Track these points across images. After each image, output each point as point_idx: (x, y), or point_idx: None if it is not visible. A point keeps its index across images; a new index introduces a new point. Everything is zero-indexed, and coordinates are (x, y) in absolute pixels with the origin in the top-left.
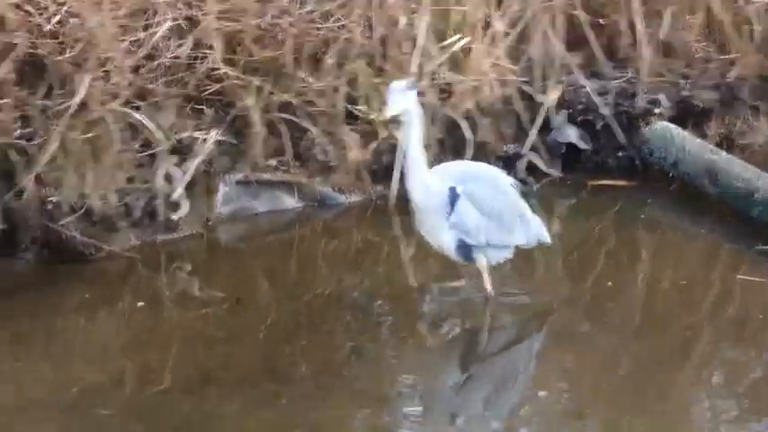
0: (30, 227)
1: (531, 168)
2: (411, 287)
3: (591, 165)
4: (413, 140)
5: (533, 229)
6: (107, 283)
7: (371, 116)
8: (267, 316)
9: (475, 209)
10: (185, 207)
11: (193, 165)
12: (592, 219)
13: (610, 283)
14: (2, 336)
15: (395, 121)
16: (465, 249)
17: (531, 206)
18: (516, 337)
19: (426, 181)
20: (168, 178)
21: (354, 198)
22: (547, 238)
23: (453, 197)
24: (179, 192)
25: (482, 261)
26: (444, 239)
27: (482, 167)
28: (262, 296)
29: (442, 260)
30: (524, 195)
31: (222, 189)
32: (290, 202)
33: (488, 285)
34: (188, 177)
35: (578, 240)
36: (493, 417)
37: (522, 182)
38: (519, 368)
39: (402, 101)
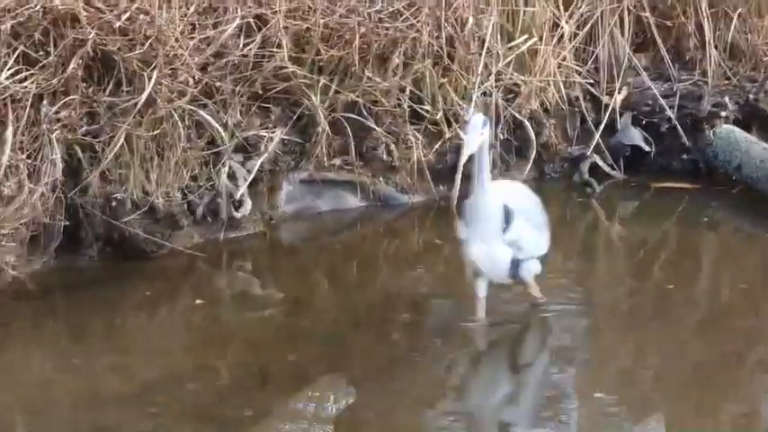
0: (93, 224)
1: (595, 170)
2: (472, 290)
3: (654, 167)
4: (484, 165)
5: (545, 239)
6: (168, 280)
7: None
8: (326, 317)
9: (527, 223)
10: (248, 205)
11: (257, 163)
12: (654, 221)
13: (671, 286)
14: (64, 331)
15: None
16: (515, 265)
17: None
18: (572, 339)
19: (488, 200)
20: (232, 176)
21: (417, 198)
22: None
23: (508, 214)
24: (242, 190)
25: (529, 273)
26: (498, 255)
27: (512, 183)
28: (322, 296)
29: None
30: (588, 197)
31: (286, 188)
32: (354, 201)
33: (538, 293)
34: (252, 176)
35: (641, 242)
36: (542, 422)
37: (586, 184)
38: (574, 370)
39: (478, 139)
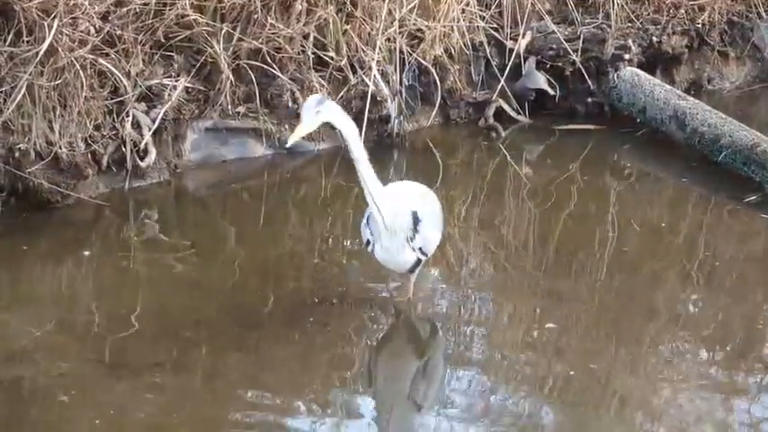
0: None
1: (500, 114)
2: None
3: (559, 111)
4: (356, 153)
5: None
6: (75, 230)
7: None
8: (232, 265)
9: (432, 228)
10: (153, 154)
11: (161, 112)
12: (560, 164)
13: (576, 229)
14: None
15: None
16: (417, 263)
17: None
18: (483, 281)
19: (392, 203)
20: (136, 125)
21: (323, 145)
22: None
23: (416, 220)
24: (147, 139)
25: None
26: (405, 259)
27: (415, 184)
28: (228, 245)
29: None
30: (494, 142)
31: (190, 136)
32: (259, 149)
33: (411, 294)
34: (156, 125)
35: (547, 186)
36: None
37: (492, 128)
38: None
39: (313, 119)
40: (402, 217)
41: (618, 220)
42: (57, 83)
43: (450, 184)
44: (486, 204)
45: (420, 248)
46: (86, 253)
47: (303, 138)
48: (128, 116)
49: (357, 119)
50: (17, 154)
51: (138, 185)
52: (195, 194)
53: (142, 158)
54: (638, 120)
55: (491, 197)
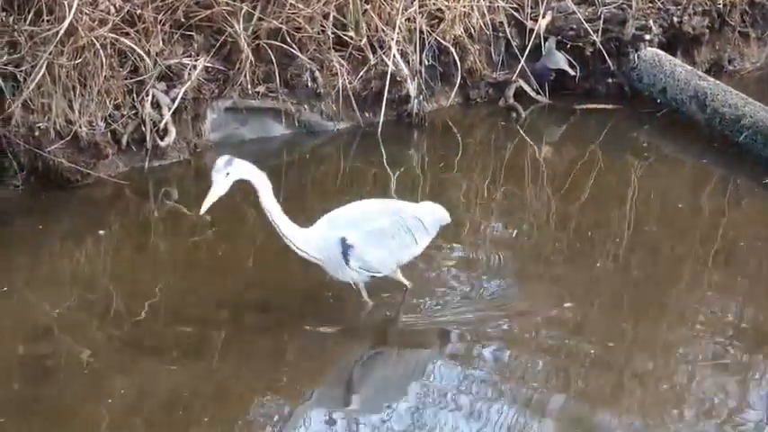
0: (17, 153)
1: (520, 95)
2: None
3: (579, 91)
4: (267, 205)
5: (431, 224)
6: (95, 209)
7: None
8: (254, 243)
9: (374, 247)
10: (173, 134)
11: (181, 91)
12: (580, 144)
13: (595, 210)
14: None
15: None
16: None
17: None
18: (502, 261)
19: (304, 236)
20: (156, 105)
21: (342, 125)
22: (447, 219)
23: (345, 248)
24: (166, 118)
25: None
26: (352, 276)
27: (366, 203)
28: (247, 224)
29: (428, 186)
30: (513, 122)
31: (210, 116)
32: (279, 128)
33: (365, 297)
34: (176, 104)
35: (566, 166)
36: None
37: (512, 109)
38: (509, 291)
39: (224, 181)
40: (331, 246)
41: (637, 201)
42: (77, 62)
43: (470, 164)
44: (506, 184)
45: (361, 268)
46: (106, 232)
47: (322, 118)
48: (147, 95)
49: (377, 98)
50: (37, 133)
51: (157, 165)
52: None
53: (162, 138)
54: (659, 100)
55: (510, 177)
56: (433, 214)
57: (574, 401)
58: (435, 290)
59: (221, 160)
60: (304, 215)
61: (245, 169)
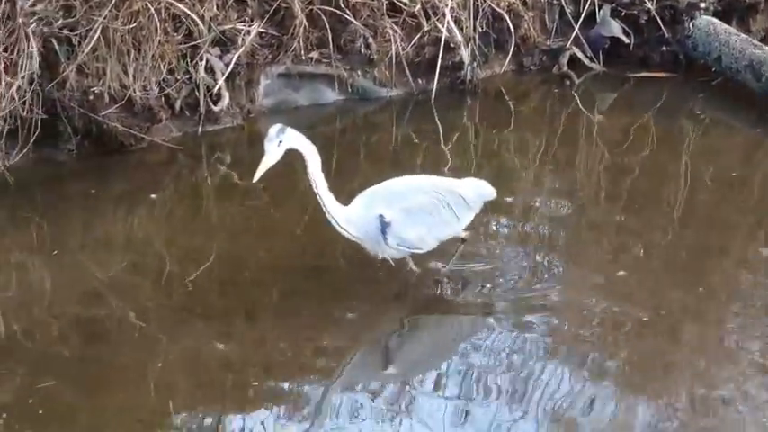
0: (71, 117)
1: (574, 62)
2: None
3: (634, 59)
4: (314, 177)
5: (474, 201)
6: (148, 173)
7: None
8: (306, 209)
9: (412, 225)
10: (226, 99)
11: (235, 57)
12: (634, 112)
13: (649, 177)
14: (41, 225)
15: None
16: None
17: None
18: (554, 229)
19: (346, 214)
20: (210, 70)
21: (395, 92)
22: (491, 194)
23: (383, 226)
24: (220, 84)
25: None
26: (392, 254)
27: (406, 179)
28: (300, 190)
29: (480, 154)
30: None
31: (263, 81)
32: (331, 95)
33: (412, 265)
34: (229, 69)
35: (620, 133)
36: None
37: (565, 76)
38: (560, 259)
39: (276, 150)
40: (369, 224)
41: (690, 169)
42: (131, 26)
43: (523, 131)
44: (558, 151)
45: (399, 245)
46: (159, 196)
47: (375, 84)
48: (201, 60)
49: (430, 65)
50: (91, 97)
51: (210, 130)
52: None
53: (215, 103)
54: (713, 69)
55: (563, 144)
56: (476, 190)
57: (624, 369)
58: (484, 257)
59: (273, 129)
60: (356, 183)
61: (296, 139)
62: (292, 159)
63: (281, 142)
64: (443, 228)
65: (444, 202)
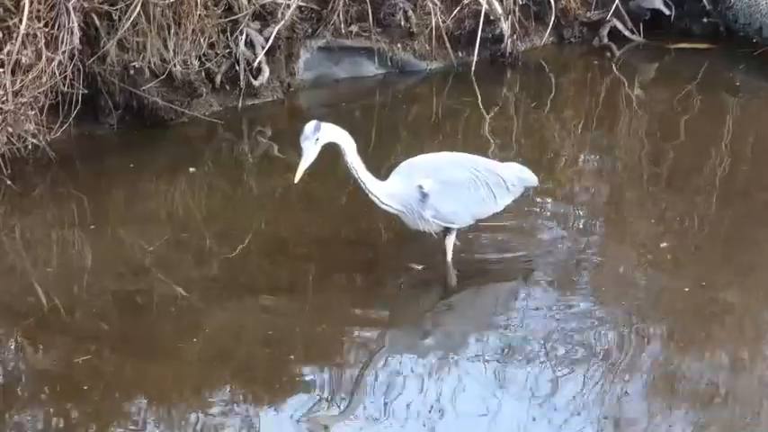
0: (112, 92)
1: (614, 34)
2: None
3: (675, 31)
4: (353, 163)
5: (514, 185)
6: (188, 147)
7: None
8: (347, 183)
9: (449, 198)
10: (266, 73)
11: (275, 30)
12: (675, 84)
13: (691, 149)
14: (82, 199)
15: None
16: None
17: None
18: (596, 201)
19: (386, 190)
20: (250, 44)
21: (435, 65)
22: (533, 181)
23: (423, 195)
24: (260, 58)
25: (453, 236)
26: (429, 228)
27: (444, 155)
28: (342, 163)
29: (521, 126)
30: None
31: (303, 55)
32: (371, 68)
33: (449, 256)
34: (269, 43)
35: (661, 105)
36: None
37: (606, 48)
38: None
39: (314, 148)
40: (410, 195)
41: (732, 141)
42: (171, 1)
43: (563, 103)
44: (599, 124)
45: (434, 218)
46: (199, 170)
47: (414, 57)
48: (241, 35)
49: (470, 38)
50: (132, 72)
51: (251, 104)
52: (308, 113)
53: (255, 77)
54: (754, 40)
55: (604, 116)
56: (517, 174)
57: (666, 338)
58: (528, 228)
59: (309, 127)
60: (396, 156)
61: (332, 132)
62: None
63: (317, 140)
64: (479, 205)
65: (483, 180)
